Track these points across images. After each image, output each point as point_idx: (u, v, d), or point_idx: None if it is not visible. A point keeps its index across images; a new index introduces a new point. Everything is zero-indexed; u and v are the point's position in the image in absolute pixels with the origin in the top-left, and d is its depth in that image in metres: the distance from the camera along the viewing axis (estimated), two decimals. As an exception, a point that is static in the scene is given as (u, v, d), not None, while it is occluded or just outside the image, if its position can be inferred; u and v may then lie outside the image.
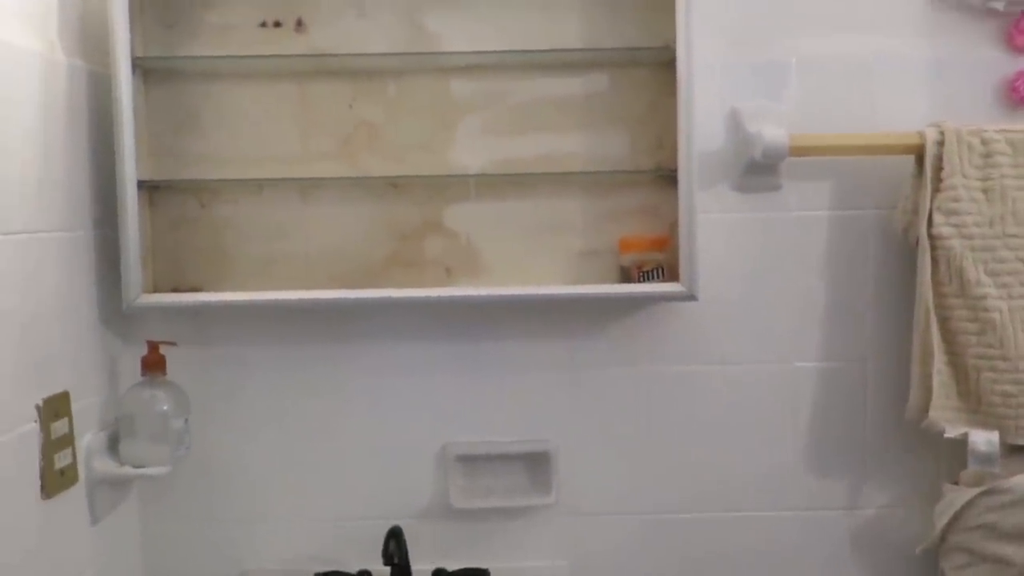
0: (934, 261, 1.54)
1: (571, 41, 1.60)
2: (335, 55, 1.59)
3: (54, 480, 1.34)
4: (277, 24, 1.60)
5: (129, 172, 1.49)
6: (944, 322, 1.55)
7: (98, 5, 1.50)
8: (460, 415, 1.68)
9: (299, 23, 1.60)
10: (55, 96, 1.40)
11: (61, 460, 1.36)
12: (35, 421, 1.30)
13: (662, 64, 1.57)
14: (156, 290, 1.59)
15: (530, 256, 1.63)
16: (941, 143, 1.54)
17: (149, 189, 1.59)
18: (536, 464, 1.68)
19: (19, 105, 1.31)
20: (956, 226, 1.53)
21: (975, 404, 1.56)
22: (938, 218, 1.53)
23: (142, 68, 1.56)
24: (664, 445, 1.69)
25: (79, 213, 1.47)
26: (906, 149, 1.57)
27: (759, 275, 1.66)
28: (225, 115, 1.61)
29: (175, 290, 1.61)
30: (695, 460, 1.69)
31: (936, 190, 1.54)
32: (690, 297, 1.53)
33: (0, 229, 1.24)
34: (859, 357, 1.67)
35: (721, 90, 1.63)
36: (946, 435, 1.55)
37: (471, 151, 1.62)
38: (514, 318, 1.66)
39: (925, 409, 1.56)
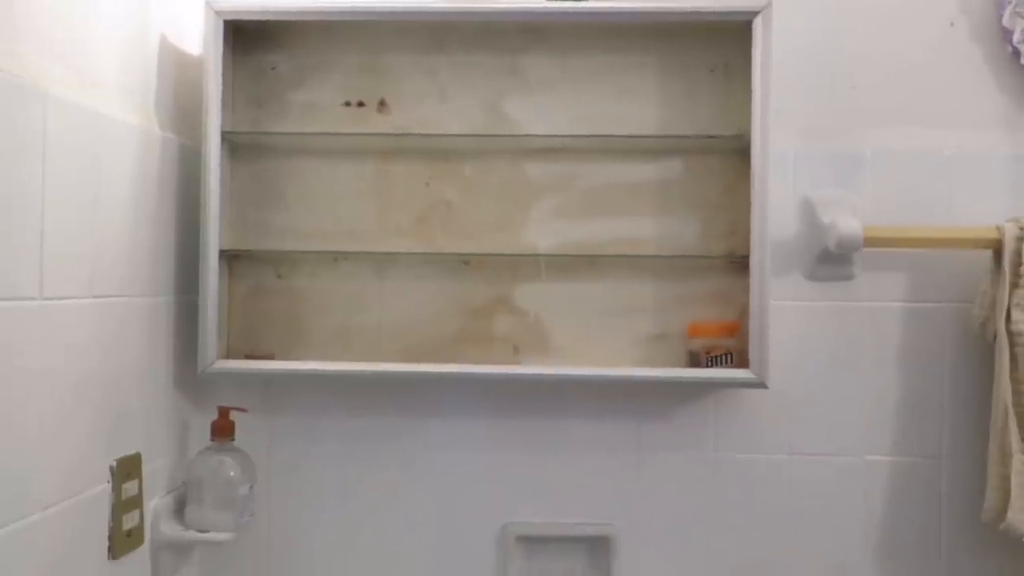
0: (1013, 358, 1.51)
1: (646, 127, 1.63)
2: (415, 135, 1.64)
3: (122, 541, 1.35)
4: (361, 104, 1.66)
5: (212, 241, 1.54)
6: (1023, 421, 1.51)
7: (193, 81, 1.57)
8: (522, 494, 1.67)
9: (382, 104, 1.66)
10: (148, 167, 1.46)
11: (129, 521, 1.37)
12: (108, 482, 1.33)
13: (736, 151, 1.59)
14: (230, 356, 1.63)
15: (598, 337, 1.64)
16: (1021, 238, 1.52)
17: (229, 258, 1.63)
18: (597, 548, 1.66)
19: (118, 176, 1.36)
20: (1036, 323, 1.50)
21: (1057, 508, 1.50)
22: (1017, 314, 1.50)
23: (230, 143, 1.62)
24: (729, 534, 1.65)
25: (162, 279, 1.51)
26: (984, 243, 1.55)
27: (831, 365, 1.64)
28: (306, 190, 1.66)
29: (248, 357, 1.64)
30: (760, 551, 1.65)
31: (1015, 286, 1.52)
32: (760, 384, 1.52)
33: (90, 292, 1.28)
34: (934, 453, 1.63)
35: (795, 178, 1.64)
36: (1026, 539, 1.50)
37: (544, 232, 1.65)
38: (580, 398, 1.66)
39: (1003, 511, 1.51)
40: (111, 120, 1.34)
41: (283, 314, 1.66)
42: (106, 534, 1.32)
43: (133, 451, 1.39)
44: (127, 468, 1.37)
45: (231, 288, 1.65)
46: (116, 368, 1.36)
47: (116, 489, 1.34)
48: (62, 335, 1.21)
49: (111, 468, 1.33)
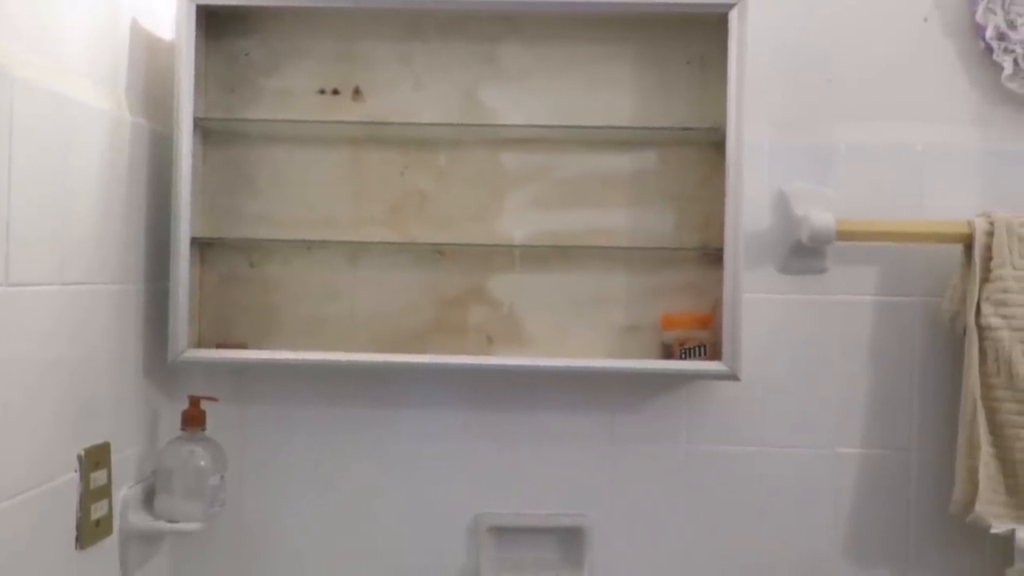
0: (982, 352, 1.52)
1: (622, 118, 1.63)
2: (390, 123, 1.63)
3: (90, 531, 1.34)
4: (335, 92, 1.64)
5: (184, 228, 1.52)
6: (991, 414, 1.52)
7: (165, 67, 1.56)
8: (495, 485, 1.67)
9: (356, 91, 1.65)
10: (119, 153, 1.44)
11: (97, 511, 1.36)
12: (76, 471, 1.31)
13: (711, 144, 1.59)
14: (201, 345, 1.61)
15: (572, 328, 1.64)
16: (990, 233, 1.53)
17: (201, 246, 1.62)
18: (569, 539, 1.66)
19: (86, 161, 1.34)
20: (1005, 317, 1.51)
21: (1023, 499, 1.52)
22: (987, 308, 1.52)
23: (202, 129, 1.60)
24: (700, 526, 1.66)
25: (132, 266, 1.49)
26: (955, 238, 1.56)
27: (802, 357, 1.65)
28: (280, 177, 1.65)
29: (220, 346, 1.62)
30: (731, 543, 1.66)
31: (985, 280, 1.53)
32: (732, 377, 1.52)
33: (58, 279, 1.26)
34: (903, 446, 1.65)
35: (769, 172, 1.64)
36: (992, 531, 1.51)
37: (518, 222, 1.64)
38: (554, 389, 1.66)
39: (971, 503, 1.52)
40: (80, 105, 1.32)
41: (255, 302, 1.65)
42: (74, 524, 1.31)
43: (102, 440, 1.38)
44: (96, 457, 1.35)
45: (203, 276, 1.64)
46: (85, 356, 1.35)
47: (84, 478, 1.32)
48: (29, 322, 1.20)
49: (79, 457, 1.31)
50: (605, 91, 1.63)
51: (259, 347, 1.63)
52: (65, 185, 1.28)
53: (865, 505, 1.65)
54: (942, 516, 1.60)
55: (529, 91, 1.63)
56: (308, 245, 1.64)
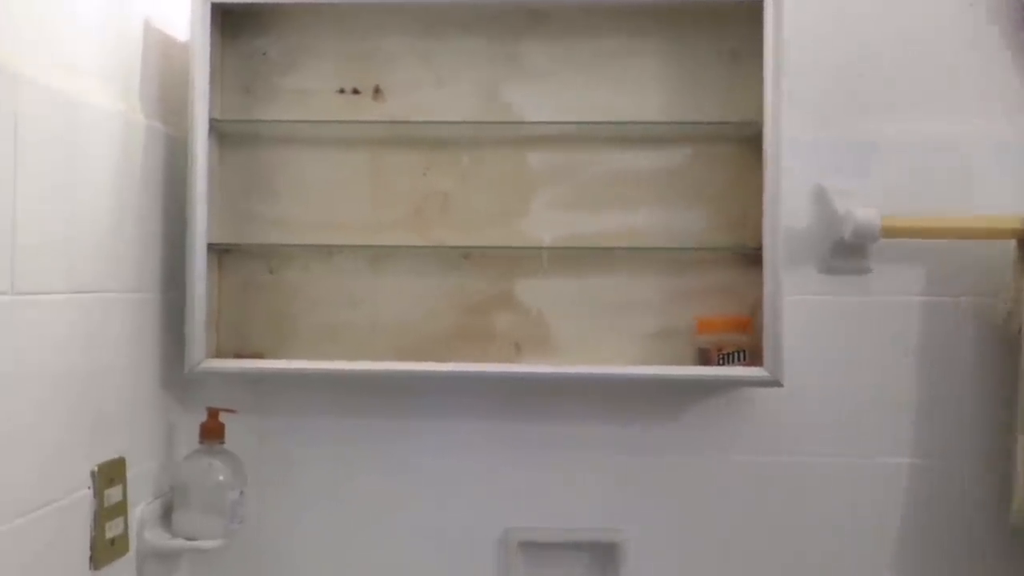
0: (1039, 353, 1.46)
1: (651, 114, 1.58)
2: (411, 123, 1.59)
3: (104, 550, 1.29)
4: (355, 91, 1.60)
5: (200, 235, 1.48)
6: (1050, 419, 1.45)
7: (179, 68, 1.52)
8: (524, 499, 1.62)
9: (377, 91, 1.60)
10: (132, 157, 1.40)
11: (112, 529, 1.32)
12: (89, 488, 1.27)
13: (745, 139, 1.54)
14: (219, 355, 1.57)
15: (603, 334, 1.58)
16: (1046, 228, 1.47)
17: (219, 252, 1.58)
18: (604, 555, 1.61)
19: (98, 165, 1.31)
20: (1063, 316, 1.44)
21: (1085, 509, 1.45)
22: (1043, 307, 1.45)
23: (218, 131, 1.57)
24: (741, 540, 1.60)
25: (147, 274, 1.46)
26: (1007, 233, 1.51)
27: (845, 362, 1.59)
28: (298, 180, 1.61)
29: (238, 355, 1.58)
30: (772, 557, 1.60)
31: (1041, 278, 1.46)
32: (775, 383, 1.46)
33: (70, 287, 1.23)
34: (954, 454, 1.58)
35: (806, 167, 1.58)
36: (1053, 542, 1.44)
37: (545, 224, 1.59)
38: (584, 398, 1.61)
39: (1030, 513, 1.45)
40: (91, 107, 1.28)
41: (274, 310, 1.61)
42: (88, 543, 1.26)
43: (116, 455, 1.33)
44: (110, 473, 1.31)
45: (220, 283, 1.60)
46: (97, 367, 1.30)
47: (98, 495, 1.28)
48: (37, 332, 1.15)
49: (92, 473, 1.27)
50: (633, 86, 1.58)
51: (278, 356, 1.58)
52: (75, 190, 1.24)
53: (914, 518, 1.59)
54: (998, 528, 1.54)
55: (554, 87, 1.59)
56: (328, 250, 1.60)
